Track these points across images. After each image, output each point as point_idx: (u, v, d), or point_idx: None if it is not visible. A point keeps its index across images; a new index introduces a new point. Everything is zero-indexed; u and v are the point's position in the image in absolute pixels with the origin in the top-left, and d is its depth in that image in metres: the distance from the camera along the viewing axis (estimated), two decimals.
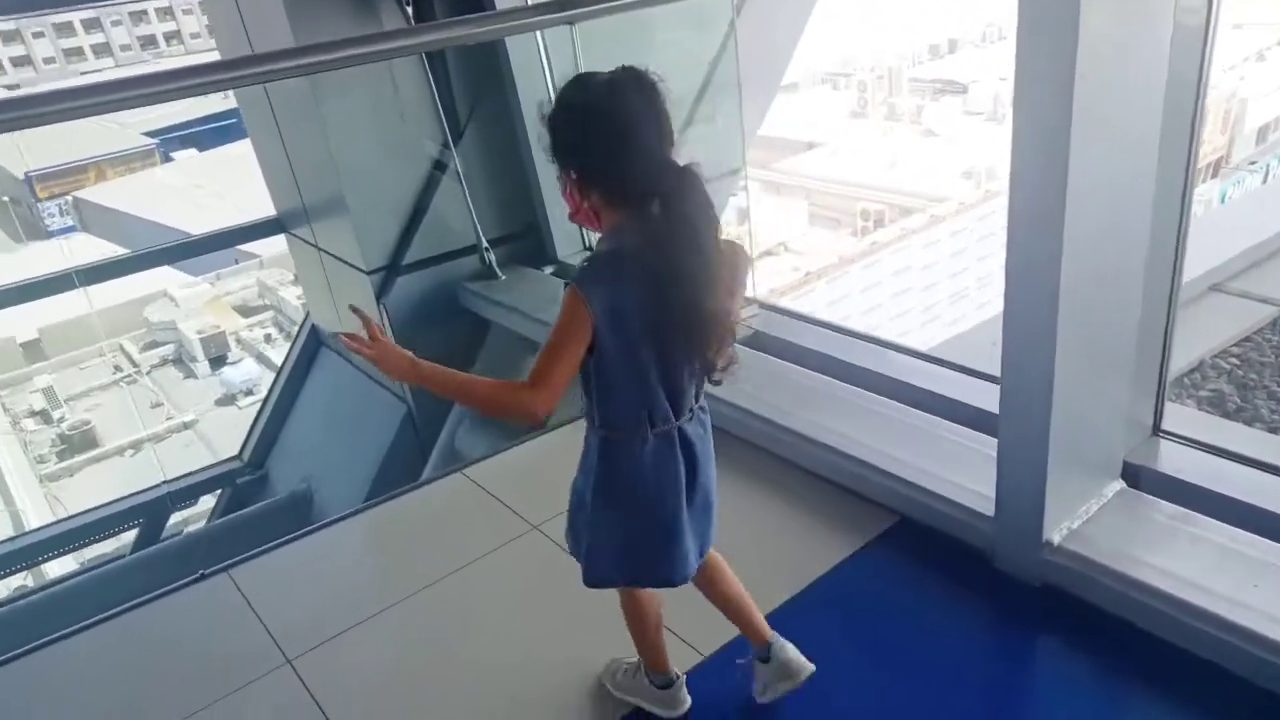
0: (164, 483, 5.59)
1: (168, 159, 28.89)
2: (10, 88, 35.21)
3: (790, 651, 1.87)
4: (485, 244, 4.39)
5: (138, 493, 5.37)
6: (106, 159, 27.15)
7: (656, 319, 1.48)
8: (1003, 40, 33.84)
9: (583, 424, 1.66)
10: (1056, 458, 2.01)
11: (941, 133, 28.55)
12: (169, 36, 42.65)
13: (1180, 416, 2.36)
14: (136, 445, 16.86)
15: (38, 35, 39.76)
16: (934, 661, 2.01)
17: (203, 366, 19.03)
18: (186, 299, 19.93)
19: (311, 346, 5.41)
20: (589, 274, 1.51)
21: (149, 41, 42.37)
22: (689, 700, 1.91)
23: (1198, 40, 1.93)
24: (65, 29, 40.24)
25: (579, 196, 1.52)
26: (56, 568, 7.13)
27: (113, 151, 27.11)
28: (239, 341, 19.62)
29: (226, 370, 18.62)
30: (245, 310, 20.86)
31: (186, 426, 17.35)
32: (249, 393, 17.44)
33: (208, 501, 6.13)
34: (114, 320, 18.94)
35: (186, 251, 6.05)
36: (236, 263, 20.85)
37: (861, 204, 25.89)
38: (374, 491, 4.41)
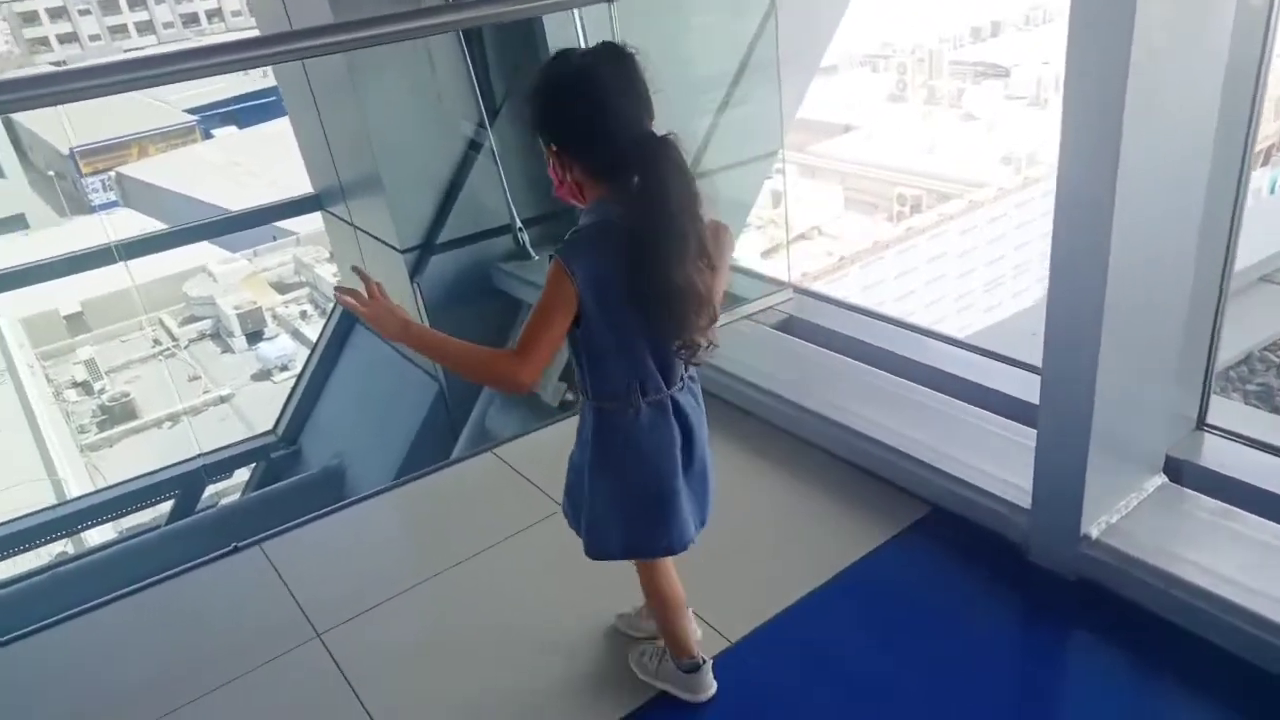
0: (200, 455, 5.66)
1: (208, 136, 29.22)
2: (57, 64, 35.77)
3: (710, 677, 1.91)
4: (519, 224, 4.38)
5: (175, 464, 5.45)
6: (149, 135, 27.51)
7: (637, 289, 1.50)
8: (1048, 23, 33.18)
9: None
10: (1097, 450, 1.97)
11: (981, 117, 28.05)
12: (210, 14, 43.08)
13: (1226, 410, 2.29)
14: (174, 418, 17.15)
15: (84, 12, 40.34)
16: (965, 654, 1.98)
17: (239, 341, 19.28)
18: (224, 275, 20.19)
19: (346, 324, 5.45)
20: (572, 245, 1.53)
21: (191, 19, 42.84)
22: (714, 685, 1.91)
23: (1260, 24, 1.86)
24: (110, 5, 40.81)
25: (561, 171, 1.55)
26: (96, 536, 7.28)
27: (155, 128, 27.47)
28: (275, 317, 19.85)
29: (263, 345, 18.85)
30: (282, 287, 21.09)
31: (223, 400, 17.61)
32: (284, 368, 17.66)
33: (242, 475, 6.22)
34: (154, 294, 19.26)
35: (225, 227, 6.10)
36: (274, 239, 21.07)
37: (898, 189, 25.54)
38: (405, 469, 4.44)
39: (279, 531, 2.64)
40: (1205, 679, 1.84)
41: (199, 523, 5.02)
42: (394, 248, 4.42)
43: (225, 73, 2.41)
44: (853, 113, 28.78)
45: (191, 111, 28.62)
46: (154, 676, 2.19)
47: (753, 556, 2.34)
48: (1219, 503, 2.11)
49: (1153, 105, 1.71)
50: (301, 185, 5.47)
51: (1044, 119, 26.04)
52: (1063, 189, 1.83)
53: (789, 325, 3.33)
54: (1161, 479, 2.19)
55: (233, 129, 29.21)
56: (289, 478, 5.37)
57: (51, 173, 28.02)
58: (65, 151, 26.98)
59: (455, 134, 4.36)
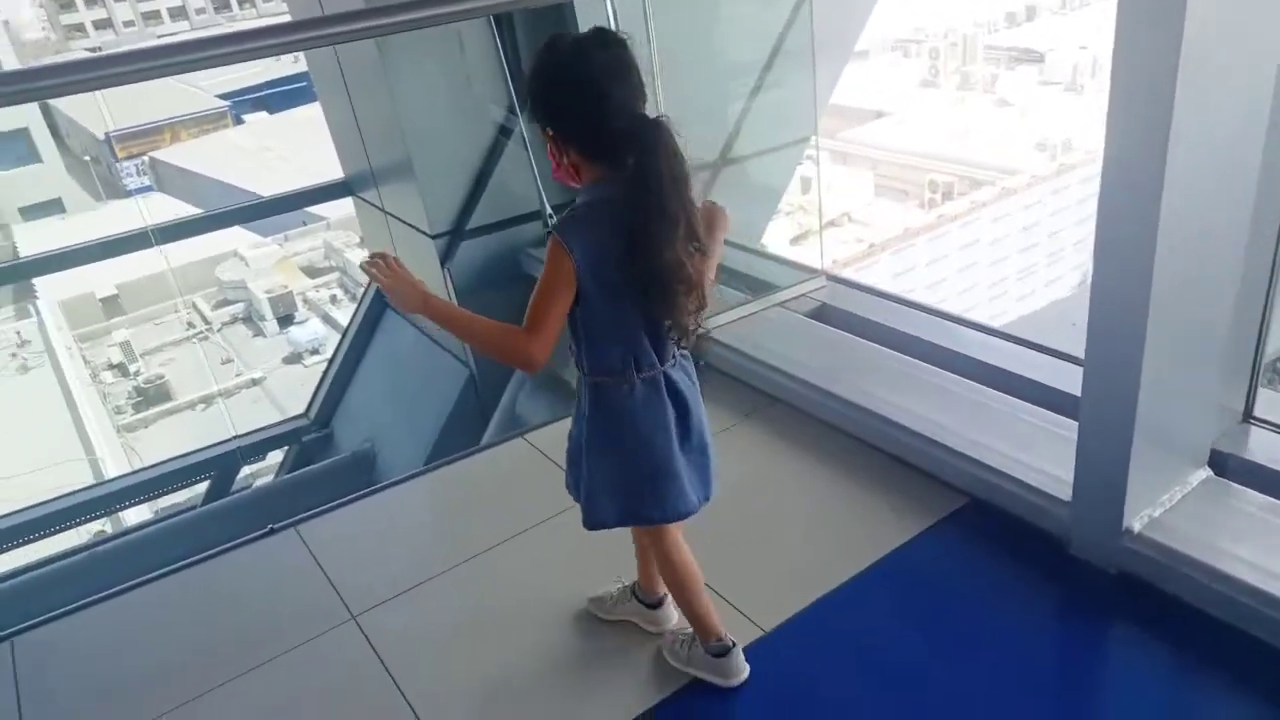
0: (236, 437, 5.74)
1: (239, 121, 29.47)
2: (92, 49, 36.21)
3: (741, 659, 1.90)
4: (549, 210, 4.37)
5: (211, 446, 5.53)
6: (181, 120, 27.79)
7: (631, 267, 1.54)
8: (1084, 6, 32.58)
9: None
10: (1141, 442, 1.93)
11: (1015, 103, 27.64)
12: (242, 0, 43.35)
13: (1273, 403, 2.24)
14: (207, 400, 17.39)
15: None
16: (1003, 647, 1.96)
17: (271, 325, 19.47)
18: (256, 259, 20.39)
19: (377, 309, 5.48)
20: (568, 223, 1.59)
21: (223, 5, 43.16)
22: (747, 668, 1.90)
23: None
24: None
25: (558, 153, 1.60)
26: (133, 515, 7.40)
27: (187, 113, 27.74)
28: (305, 301, 20.03)
29: (293, 329, 19.03)
30: (312, 271, 21.26)
31: (255, 383, 17.82)
32: (314, 351, 17.83)
33: (274, 457, 6.29)
34: (188, 278, 19.51)
35: (258, 212, 6.15)
36: (304, 224, 21.24)
37: (930, 175, 25.27)
38: (436, 453, 4.46)
39: (314, 514, 2.66)
40: (1250, 674, 1.81)
41: (235, 504, 5.09)
42: (425, 233, 4.43)
43: (260, 58, 2.43)
44: (884, 98, 28.46)
45: (223, 97, 28.87)
46: (193, 656, 2.22)
47: (786, 545, 2.33)
48: (1266, 497, 2.06)
49: (1205, 83, 1.65)
50: (332, 171, 5.50)
51: (1080, 105, 25.62)
52: (1109, 171, 1.79)
53: (822, 313, 3.30)
54: (1206, 472, 2.14)
55: (264, 114, 29.43)
56: (321, 461, 5.42)
57: (87, 157, 28.40)
58: (101, 136, 27.34)
59: (485, 119, 4.36)
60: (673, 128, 1.53)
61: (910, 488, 2.43)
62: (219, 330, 19.98)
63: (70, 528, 5.35)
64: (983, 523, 2.28)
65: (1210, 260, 1.90)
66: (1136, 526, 2.01)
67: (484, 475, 2.84)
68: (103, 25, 41.02)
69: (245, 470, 6.02)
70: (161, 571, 2.49)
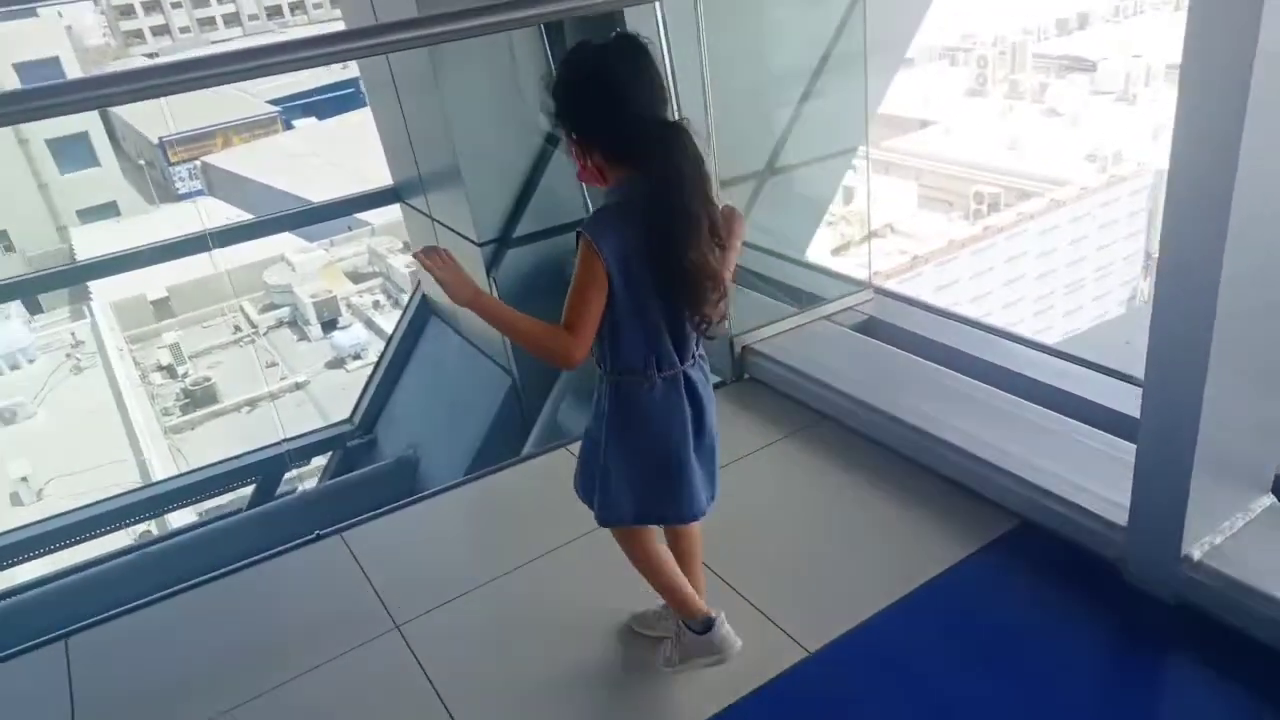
0: (284, 440, 5.82)
1: (289, 126, 30.01)
2: (150, 55, 37.17)
3: (728, 628, 1.88)
4: None
5: (258, 449, 5.61)
6: (233, 125, 28.38)
7: (654, 266, 1.59)
8: (1139, 14, 31.99)
9: None
10: (1201, 467, 1.87)
11: (1065, 113, 27.19)
12: (293, 7, 44.24)
13: None
14: (252, 403, 17.67)
15: (175, 5, 41.85)
16: (1055, 676, 1.90)
17: (315, 330, 19.75)
18: (302, 264, 20.70)
19: (422, 316, 5.53)
20: (596, 223, 1.62)
21: (275, 11, 44.06)
22: (739, 640, 1.87)
23: None
24: None
25: (582, 156, 1.65)
26: (178, 517, 7.54)
27: (239, 118, 28.32)
28: (349, 306, 20.28)
29: (337, 334, 19.28)
30: (356, 276, 21.55)
31: (299, 387, 18.08)
32: (357, 356, 18.06)
33: (317, 461, 6.37)
34: (235, 282, 19.87)
35: (309, 218, 6.25)
36: (349, 229, 21.54)
37: (976, 186, 24.93)
38: (478, 461, 4.48)
39: (359, 521, 2.68)
40: None
41: (280, 508, 5.15)
42: (472, 240, 4.46)
43: (313, 66, 2.46)
44: (930, 107, 28.17)
45: (273, 103, 29.44)
46: (240, 660, 2.24)
47: (831, 564, 2.29)
48: None
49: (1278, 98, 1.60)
50: (378, 177, 5.56)
51: (1133, 115, 25.14)
52: (1175, 183, 1.74)
53: (869, 327, 3.26)
54: (1270, 499, 2.07)
55: (312, 120, 29.95)
56: (364, 466, 5.48)
57: (142, 161, 29.10)
58: (155, 141, 28.00)
59: (534, 127, 4.38)
60: (692, 129, 1.59)
61: (959, 507, 2.38)
62: (265, 334, 20.30)
63: (120, 528, 5.46)
64: (1034, 546, 2.22)
65: (1278, 277, 1.84)
66: (1197, 554, 1.95)
67: (526, 486, 2.84)
68: (160, 31, 42.15)
69: (288, 474, 6.10)
70: (211, 575, 2.52)
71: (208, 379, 18.32)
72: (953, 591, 2.14)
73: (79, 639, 2.35)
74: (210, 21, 43.24)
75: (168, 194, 27.32)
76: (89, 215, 25.34)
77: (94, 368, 18.45)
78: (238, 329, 20.65)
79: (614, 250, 1.58)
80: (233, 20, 43.51)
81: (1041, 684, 1.89)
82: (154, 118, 24.25)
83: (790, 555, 2.33)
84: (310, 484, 6.24)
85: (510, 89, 4.19)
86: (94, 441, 15.27)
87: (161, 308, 20.51)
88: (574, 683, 2.03)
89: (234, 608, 2.45)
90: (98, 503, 5.28)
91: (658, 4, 3.73)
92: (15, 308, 18.65)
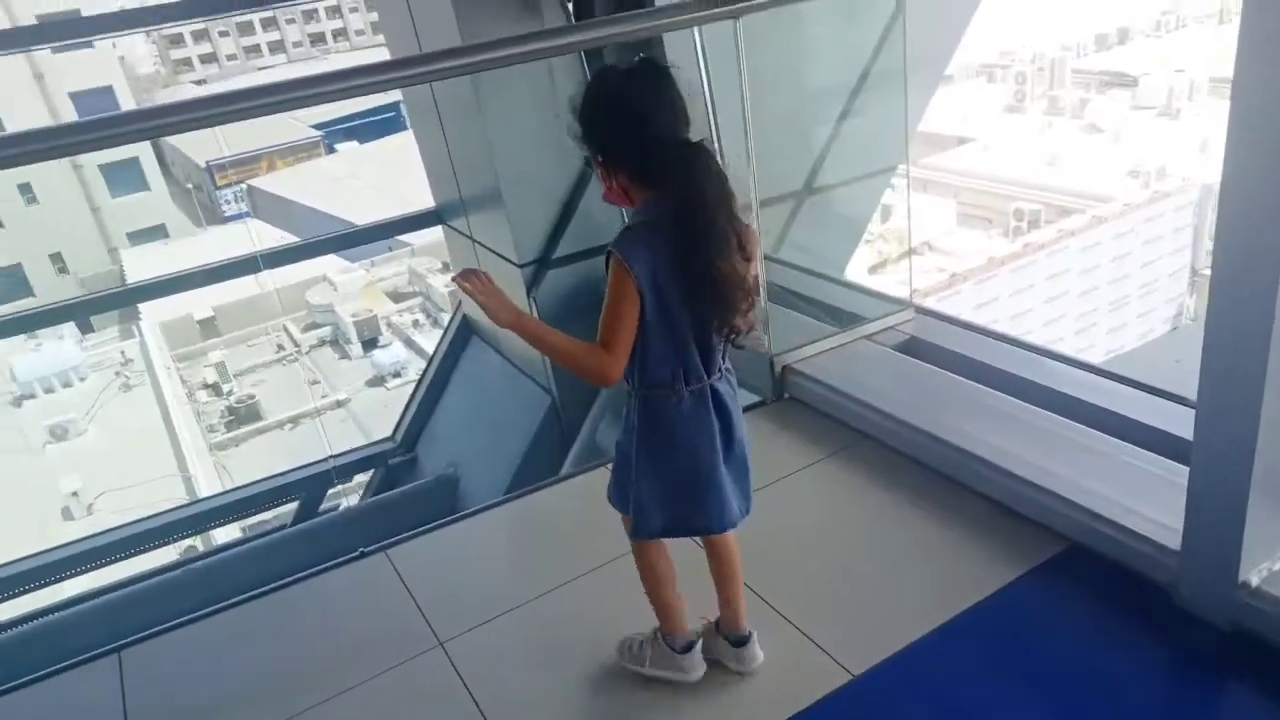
0: (330, 457, 5.91)
1: (331, 150, 30.60)
2: (198, 82, 38.16)
3: (756, 648, 1.97)
4: None
5: (303, 466, 5.69)
6: (277, 149, 28.99)
7: (684, 282, 1.63)
8: (1181, 29, 31.55)
9: None
10: (1259, 491, 1.83)
11: (1107, 129, 26.83)
12: (336, 34, 45.24)
13: None
14: (295, 420, 17.94)
15: (223, 34, 43.02)
16: (1106, 704, 1.86)
17: (356, 349, 20.05)
18: (344, 284, 21.05)
19: (463, 336, 5.59)
20: (625, 241, 1.66)
21: (318, 38, 45.06)
22: (704, 666, 1.96)
23: None
24: (246, 27, 43.37)
25: (607, 178, 1.69)
26: (223, 533, 7.66)
27: (283, 142, 28.93)
28: (389, 326, 20.57)
29: (377, 353, 19.55)
30: (396, 296, 21.85)
31: (339, 405, 18.33)
32: (397, 375, 18.29)
33: (358, 478, 6.43)
34: (280, 301, 20.24)
35: (352, 240, 6.36)
36: (390, 250, 21.85)
37: (1015, 203, 24.65)
38: (517, 479, 4.51)
39: (403, 538, 2.71)
40: None
41: (323, 524, 5.22)
42: (512, 262, 4.51)
43: (357, 96, 2.53)
44: (968, 124, 27.97)
45: (316, 127, 30.04)
46: (287, 677, 2.27)
47: (874, 586, 2.27)
48: None
49: None
50: (418, 199, 5.65)
51: (1176, 130, 24.75)
52: (1227, 196, 1.71)
53: (911, 346, 3.24)
54: None
55: (354, 144, 30.52)
56: (406, 484, 5.53)
57: (190, 185, 29.83)
58: (202, 165, 28.70)
59: (573, 150, 4.41)
60: (713, 148, 1.64)
61: (1003, 529, 2.35)
62: (307, 353, 20.64)
63: (168, 544, 5.56)
64: (1084, 570, 2.19)
65: None
66: (1254, 581, 1.91)
67: (566, 505, 2.85)
68: (208, 59, 43.31)
69: (330, 491, 6.18)
70: (259, 590, 2.56)
71: (252, 397, 18.66)
72: (1001, 615, 2.11)
73: (131, 652, 2.39)
74: (256, 49, 44.33)
75: (214, 217, 27.98)
76: (139, 237, 26.03)
77: (142, 385, 18.88)
78: (281, 348, 21.02)
79: (644, 266, 1.62)
80: (277, 48, 44.57)
81: (1093, 711, 1.85)
82: (201, 143, 24.86)
83: (832, 576, 2.31)
84: (352, 500, 6.31)
85: (550, 113, 4.24)
86: (142, 458, 15.59)
87: (208, 327, 20.97)
88: (616, 701, 2.03)
89: (281, 623, 2.48)
90: (147, 518, 5.39)
91: (696, 29, 3.77)
92: (68, 327, 19.19)
